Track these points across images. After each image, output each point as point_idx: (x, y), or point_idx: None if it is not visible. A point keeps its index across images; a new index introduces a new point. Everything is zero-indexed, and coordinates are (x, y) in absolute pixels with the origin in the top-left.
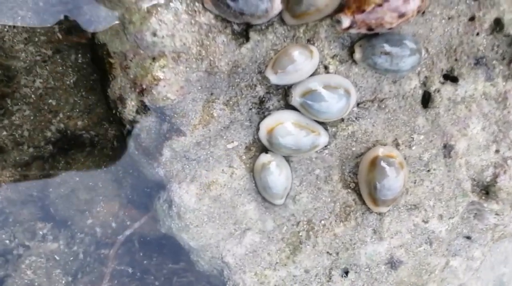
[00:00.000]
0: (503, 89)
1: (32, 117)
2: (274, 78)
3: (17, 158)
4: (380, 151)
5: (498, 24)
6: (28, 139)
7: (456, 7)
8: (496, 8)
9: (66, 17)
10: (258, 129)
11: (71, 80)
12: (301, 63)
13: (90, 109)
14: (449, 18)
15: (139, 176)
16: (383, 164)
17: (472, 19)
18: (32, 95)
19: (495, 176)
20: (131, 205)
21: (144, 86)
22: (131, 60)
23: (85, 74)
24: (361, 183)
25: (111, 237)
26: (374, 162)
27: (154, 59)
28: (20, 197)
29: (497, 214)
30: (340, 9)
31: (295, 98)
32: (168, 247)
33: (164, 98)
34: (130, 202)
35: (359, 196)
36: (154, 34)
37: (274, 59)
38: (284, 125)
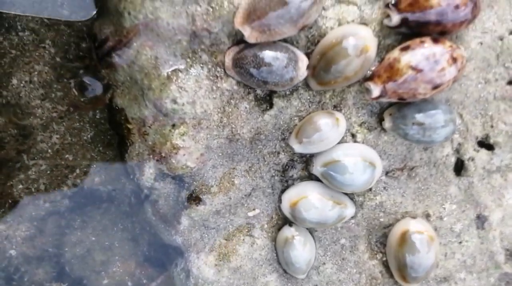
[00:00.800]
0: None
1: (48, 172)
2: (298, 147)
3: (33, 213)
4: (411, 225)
5: None
6: (44, 194)
7: (493, 70)
8: None
9: (82, 76)
10: (280, 201)
11: (89, 136)
12: (327, 132)
13: (107, 165)
14: (485, 82)
15: (156, 233)
16: (413, 239)
17: (511, 83)
18: (49, 150)
19: None
20: (148, 263)
21: (163, 154)
22: (150, 127)
23: (102, 129)
24: (390, 257)
25: None
26: (404, 237)
27: (174, 126)
28: (35, 253)
29: None
30: (370, 76)
31: (317, 168)
32: None
33: (184, 166)
34: (147, 260)
35: (386, 267)
36: (175, 102)
37: (298, 127)
38: (308, 198)
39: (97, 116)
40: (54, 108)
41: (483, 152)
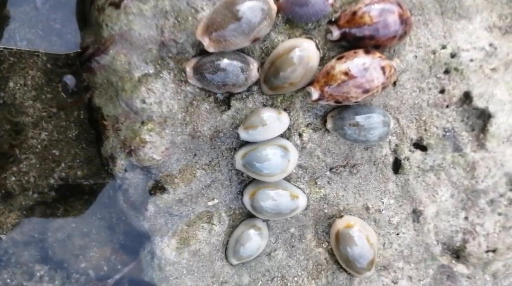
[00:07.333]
0: (472, 159)
1: (37, 166)
2: (244, 135)
3: (23, 202)
4: (339, 224)
5: (467, 97)
6: (34, 186)
7: (426, 80)
8: (465, 82)
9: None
10: (242, 195)
11: (73, 134)
12: (270, 123)
13: (89, 160)
14: (419, 91)
15: (131, 223)
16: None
17: (442, 91)
18: (38, 146)
19: (465, 242)
20: (122, 250)
21: (132, 148)
22: (122, 123)
23: (86, 128)
24: (338, 257)
25: (103, 279)
26: (338, 236)
27: (142, 123)
28: (23, 238)
29: (468, 278)
30: (311, 82)
31: (238, 161)
32: None
33: (150, 158)
34: (122, 247)
35: (331, 255)
36: (144, 101)
37: (246, 117)
38: (265, 190)
39: (81, 117)
40: (44, 108)
41: (418, 153)
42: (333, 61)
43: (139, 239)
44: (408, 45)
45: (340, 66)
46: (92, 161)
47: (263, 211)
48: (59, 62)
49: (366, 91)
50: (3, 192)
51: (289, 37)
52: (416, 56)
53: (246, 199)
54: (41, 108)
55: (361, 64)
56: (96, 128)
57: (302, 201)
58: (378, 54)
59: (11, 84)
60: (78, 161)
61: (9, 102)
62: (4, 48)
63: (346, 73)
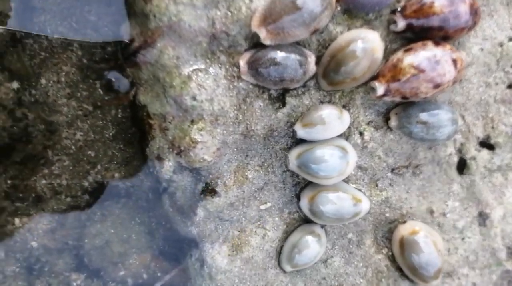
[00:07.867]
0: None
1: (71, 168)
2: (301, 133)
3: (55, 207)
4: (403, 230)
5: None
6: (66, 189)
7: (493, 75)
8: None
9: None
10: (299, 199)
11: (110, 134)
12: (330, 121)
13: (127, 162)
14: (486, 86)
15: (171, 227)
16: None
17: (510, 86)
18: (73, 147)
19: None
20: (163, 257)
21: (182, 148)
22: (170, 122)
23: (124, 128)
24: (401, 265)
25: None
26: (403, 243)
27: (192, 121)
28: (56, 245)
29: None
30: (375, 76)
31: (292, 161)
32: None
33: (201, 160)
34: (162, 254)
35: (392, 262)
36: (194, 99)
37: (305, 114)
38: (325, 193)
39: (119, 115)
40: (79, 107)
41: (484, 152)
42: (400, 53)
43: (179, 245)
44: (473, 37)
45: (409, 59)
46: (130, 162)
47: (323, 216)
48: (96, 57)
49: (437, 86)
50: (33, 196)
51: (349, 28)
52: (482, 49)
53: (304, 203)
54: (76, 106)
55: (432, 57)
56: (140, 128)
57: (365, 205)
58: (448, 46)
59: (43, 81)
60: (115, 162)
61: (41, 101)
62: (35, 34)
63: (416, 67)
